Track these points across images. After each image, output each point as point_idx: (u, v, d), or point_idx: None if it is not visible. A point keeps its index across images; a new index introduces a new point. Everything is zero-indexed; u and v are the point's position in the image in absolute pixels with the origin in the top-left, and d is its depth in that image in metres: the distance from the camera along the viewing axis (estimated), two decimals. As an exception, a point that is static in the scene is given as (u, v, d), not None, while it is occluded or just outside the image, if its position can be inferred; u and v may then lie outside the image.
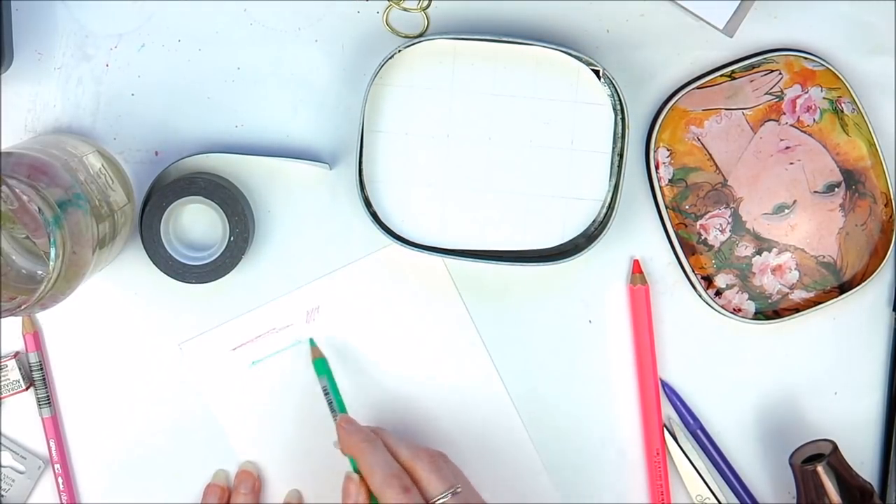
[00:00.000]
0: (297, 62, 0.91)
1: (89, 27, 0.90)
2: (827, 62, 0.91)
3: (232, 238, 0.88)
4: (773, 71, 0.91)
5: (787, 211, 0.92)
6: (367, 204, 0.90)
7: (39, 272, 0.81)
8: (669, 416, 0.94)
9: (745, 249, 0.92)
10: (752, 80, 0.91)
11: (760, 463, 0.94)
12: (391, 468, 0.84)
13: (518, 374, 0.93)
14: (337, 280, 0.92)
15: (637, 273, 0.92)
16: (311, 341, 0.92)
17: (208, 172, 0.91)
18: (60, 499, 0.92)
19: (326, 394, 0.90)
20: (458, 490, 0.84)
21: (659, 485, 0.93)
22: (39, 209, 0.76)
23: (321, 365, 0.91)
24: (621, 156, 0.89)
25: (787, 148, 0.91)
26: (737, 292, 0.92)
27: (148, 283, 0.91)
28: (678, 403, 0.93)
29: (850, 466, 0.89)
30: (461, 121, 0.90)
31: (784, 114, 0.91)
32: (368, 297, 0.92)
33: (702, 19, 0.86)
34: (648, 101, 0.92)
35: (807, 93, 0.91)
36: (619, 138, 0.90)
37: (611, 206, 0.90)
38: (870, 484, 0.89)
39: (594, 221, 0.91)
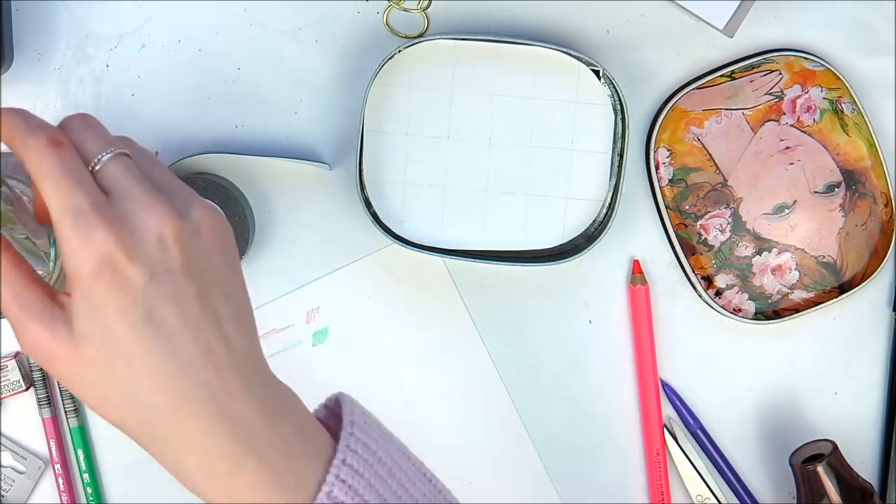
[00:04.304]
0: (297, 62, 0.91)
1: (89, 27, 0.90)
2: (827, 62, 0.91)
3: (232, 238, 0.88)
4: (773, 71, 0.91)
5: (787, 211, 0.92)
6: (367, 204, 0.90)
7: (39, 272, 0.81)
8: (669, 416, 0.94)
9: (745, 249, 0.92)
10: (752, 81, 0.91)
11: (760, 463, 0.94)
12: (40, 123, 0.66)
13: (518, 374, 0.93)
14: (337, 280, 0.92)
15: (637, 273, 0.92)
16: None
17: (208, 172, 0.91)
18: (60, 499, 0.92)
19: None
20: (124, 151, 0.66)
21: (659, 485, 0.93)
22: (39, 209, 0.76)
23: None
24: (621, 156, 0.89)
25: (787, 148, 0.91)
26: (737, 292, 0.92)
27: (148, 283, 0.91)
28: (678, 403, 0.93)
29: (850, 466, 0.89)
30: (461, 121, 0.90)
31: (784, 114, 0.91)
32: (368, 297, 0.92)
33: (702, 19, 0.86)
34: (648, 101, 0.92)
35: (807, 93, 0.91)
36: (619, 138, 0.90)
37: (611, 207, 0.90)
38: (870, 484, 0.89)
39: (594, 221, 0.91)
